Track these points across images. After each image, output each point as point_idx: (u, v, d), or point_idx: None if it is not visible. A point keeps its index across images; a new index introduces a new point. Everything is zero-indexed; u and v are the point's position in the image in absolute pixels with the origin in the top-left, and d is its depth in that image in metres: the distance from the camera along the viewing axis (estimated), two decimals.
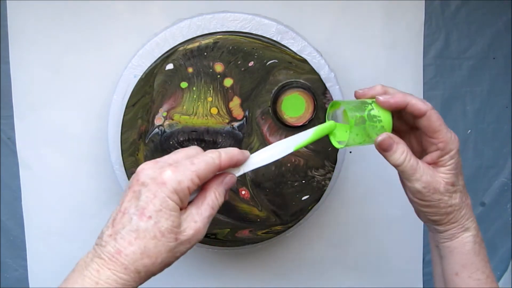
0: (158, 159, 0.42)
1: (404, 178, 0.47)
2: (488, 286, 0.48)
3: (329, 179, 0.61)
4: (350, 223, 0.68)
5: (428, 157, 0.47)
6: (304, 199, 0.60)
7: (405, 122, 0.50)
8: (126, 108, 0.58)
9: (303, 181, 0.60)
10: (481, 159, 0.69)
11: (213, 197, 0.42)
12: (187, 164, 0.40)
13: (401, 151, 0.46)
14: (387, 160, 0.47)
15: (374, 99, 0.48)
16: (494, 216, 0.71)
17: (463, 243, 0.48)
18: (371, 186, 0.67)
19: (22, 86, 0.61)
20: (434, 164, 0.47)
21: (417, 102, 0.46)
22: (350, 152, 0.65)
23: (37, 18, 0.59)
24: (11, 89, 0.61)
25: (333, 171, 0.60)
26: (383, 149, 0.47)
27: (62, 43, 0.60)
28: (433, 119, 0.46)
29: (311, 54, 0.59)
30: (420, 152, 0.49)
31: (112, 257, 0.38)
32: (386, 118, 0.47)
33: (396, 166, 0.47)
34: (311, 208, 0.61)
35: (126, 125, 0.58)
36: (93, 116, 0.62)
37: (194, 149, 0.43)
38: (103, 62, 0.61)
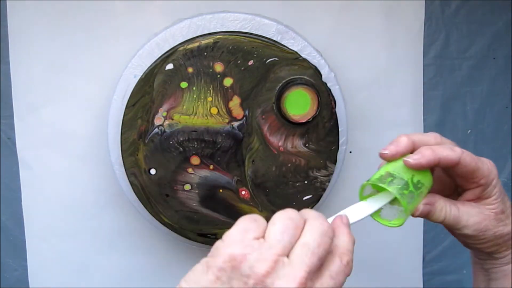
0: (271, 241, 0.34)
1: (451, 230, 0.44)
2: None
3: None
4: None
5: (470, 194, 0.44)
6: (305, 199, 0.60)
7: None
8: (126, 108, 0.58)
9: (305, 182, 0.60)
10: None
11: None
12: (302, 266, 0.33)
13: (439, 209, 0.43)
14: (431, 221, 0.44)
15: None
16: None
17: None
18: None
19: (22, 86, 0.61)
20: (478, 199, 0.44)
21: (448, 154, 0.42)
22: (350, 152, 0.65)
23: (37, 18, 0.59)
24: (11, 89, 0.61)
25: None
26: (424, 217, 0.44)
27: (62, 43, 0.60)
28: (467, 162, 0.42)
29: (311, 54, 0.59)
30: (454, 189, 0.46)
31: None
32: (427, 179, 0.43)
33: (439, 223, 0.44)
34: (311, 208, 0.61)
35: (126, 125, 0.58)
36: (93, 116, 0.62)
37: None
38: (103, 62, 0.61)
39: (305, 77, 0.58)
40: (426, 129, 0.66)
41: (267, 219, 0.63)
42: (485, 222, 0.43)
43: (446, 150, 0.42)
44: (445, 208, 0.43)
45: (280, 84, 0.58)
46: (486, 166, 0.43)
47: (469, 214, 0.43)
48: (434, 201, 0.43)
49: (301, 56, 0.58)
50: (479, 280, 0.48)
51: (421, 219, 0.68)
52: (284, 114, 0.57)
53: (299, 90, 0.57)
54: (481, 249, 0.45)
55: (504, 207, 0.43)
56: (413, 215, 0.43)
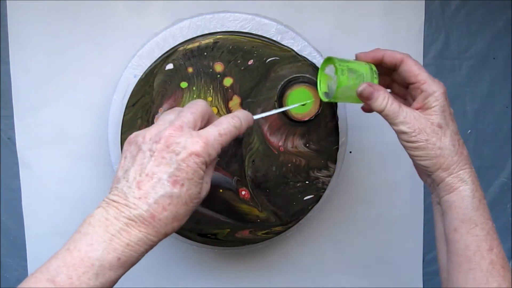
0: (178, 119, 0.42)
1: (390, 123, 0.49)
2: (488, 242, 0.47)
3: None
4: (350, 223, 0.68)
5: (415, 103, 0.49)
6: (306, 199, 0.60)
7: (398, 85, 0.54)
8: (126, 108, 0.58)
9: (306, 182, 0.60)
10: (481, 159, 0.69)
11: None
12: (215, 135, 0.42)
13: (382, 97, 0.48)
14: (372, 108, 0.49)
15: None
16: (494, 216, 0.69)
17: (462, 197, 0.47)
18: (371, 186, 0.67)
19: (22, 86, 0.61)
20: (421, 108, 0.49)
21: (393, 52, 0.51)
22: (350, 152, 0.65)
23: (37, 18, 0.59)
24: (11, 89, 0.61)
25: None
26: (365, 97, 0.49)
27: (62, 43, 0.60)
28: (411, 63, 0.49)
29: (311, 54, 0.59)
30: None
31: (144, 220, 0.39)
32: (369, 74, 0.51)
33: (379, 112, 0.49)
34: (311, 208, 0.61)
35: (126, 125, 0.58)
36: (93, 116, 0.62)
37: (207, 107, 0.45)
38: (103, 62, 0.61)
39: (307, 75, 0.58)
40: None
41: (267, 219, 0.63)
42: (420, 125, 0.47)
43: (394, 52, 0.51)
44: (387, 100, 0.48)
45: (282, 83, 0.58)
46: (431, 77, 0.49)
47: (408, 114, 0.48)
48: (379, 89, 0.49)
49: (300, 56, 0.58)
50: (436, 218, 0.51)
51: (421, 220, 0.68)
52: (286, 113, 0.57)
53: (302, 88, 0.57)
54: (418, 160, 0.48)
55: (443, 123, 0.48)
56: (357, 94, 0.50)
